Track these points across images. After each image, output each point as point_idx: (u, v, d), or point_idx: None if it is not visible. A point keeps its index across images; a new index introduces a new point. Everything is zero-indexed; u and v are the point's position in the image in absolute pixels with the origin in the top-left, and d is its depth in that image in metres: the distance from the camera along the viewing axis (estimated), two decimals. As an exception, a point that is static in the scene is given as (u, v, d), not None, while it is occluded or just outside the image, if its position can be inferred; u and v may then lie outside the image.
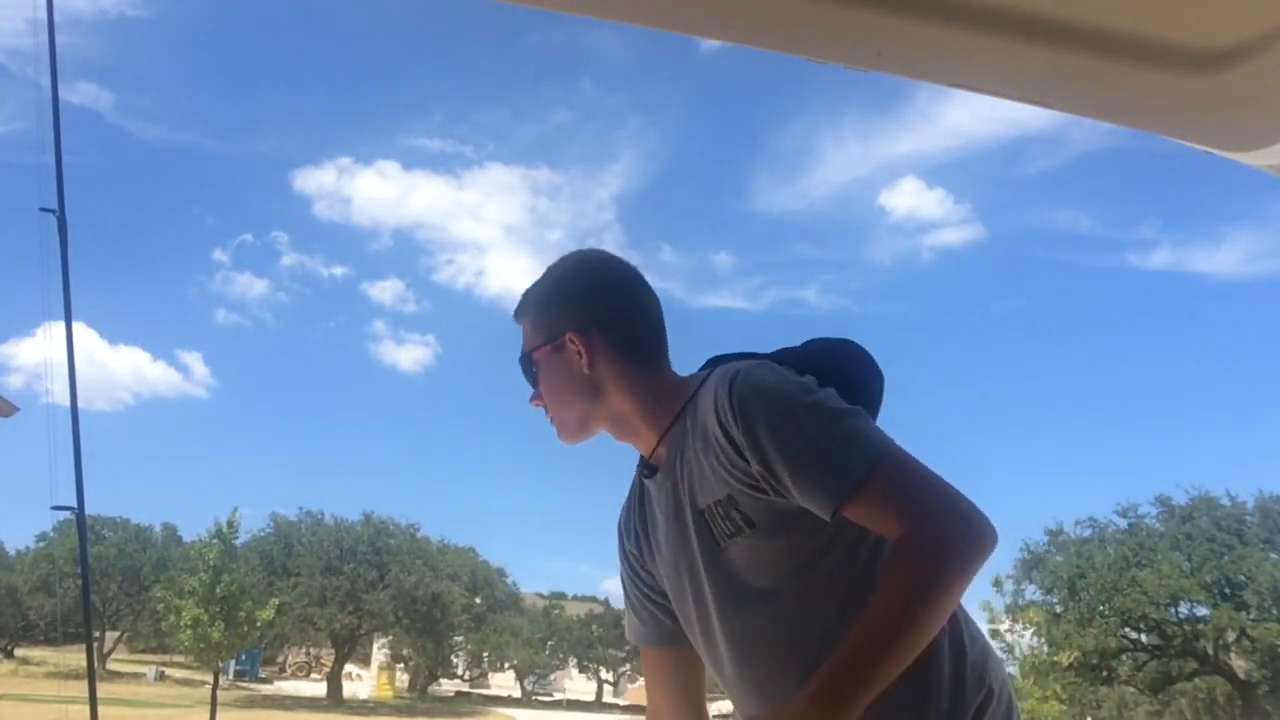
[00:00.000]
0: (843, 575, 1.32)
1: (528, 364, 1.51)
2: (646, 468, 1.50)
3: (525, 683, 50.22)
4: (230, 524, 28.80)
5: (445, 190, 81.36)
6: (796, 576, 1.33)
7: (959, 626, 1.33)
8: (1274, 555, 29.47)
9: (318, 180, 79.41)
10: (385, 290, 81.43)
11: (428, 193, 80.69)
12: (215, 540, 28.40)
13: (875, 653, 1.12)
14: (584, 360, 1.47)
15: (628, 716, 48.22)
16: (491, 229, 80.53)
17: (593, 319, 1.48)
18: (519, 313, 1.55)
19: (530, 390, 1.51)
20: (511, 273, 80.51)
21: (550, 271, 1.57)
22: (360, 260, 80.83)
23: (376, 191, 77.90)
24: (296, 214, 78.81)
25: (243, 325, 76.06)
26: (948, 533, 1.16)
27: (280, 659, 55.46)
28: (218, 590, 27.97)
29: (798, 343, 1.49)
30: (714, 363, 1.46)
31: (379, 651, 48.63)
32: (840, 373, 1.37)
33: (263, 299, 75.47)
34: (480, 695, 49.56)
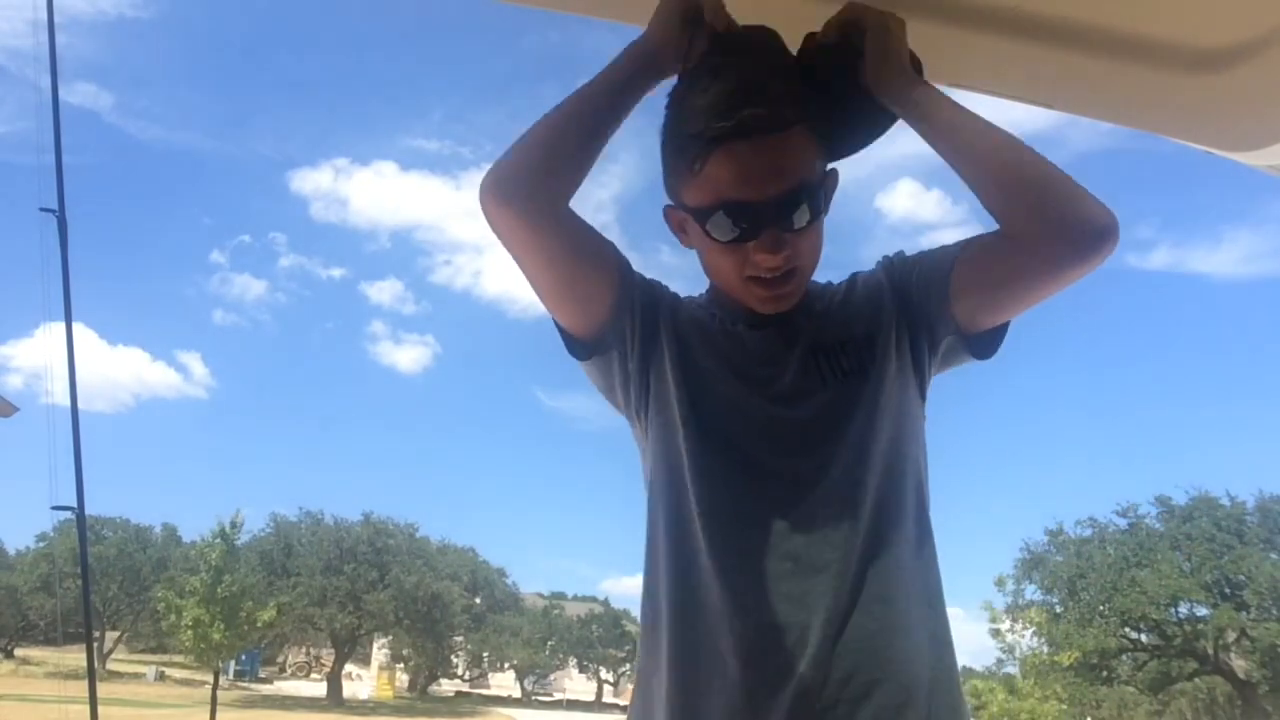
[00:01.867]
0: (912, 481, 1.26)
1: (814, 196, 1.18)
2: (747, 319, 1.31)
3: (525, 683, 50.21)
4: (233, 524, 28.84)
5: (443, 191, 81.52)
6: (885, 435, 1.25)
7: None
8: (1274, 555, 29.47)
9: (314, 181, 79.70)
10: (384, 291, 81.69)
11: (425, 193, 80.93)
12: (218, 541, 28.41)
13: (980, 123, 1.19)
14: (828, 199, 1.26)
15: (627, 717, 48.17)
16: (489, 230, 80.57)
17: None
18: (797, 113, 1.16)
19: (803, 218, 1.17)
20: (510, 274, 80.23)
21: (793, 74, 1.23)
22: (358, 261, 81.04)
23: (374, 192, 78.17)
24: (294, 215, 79.01)
25: (241, 326, 76.29)
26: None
27: (280, 659, 55.45)
28: (218, 591, 27.97)
29: None
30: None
31: (379, 651, 48.61)
32: None
33: (261, 300, 75.70)
34: (480, 695, 49.55)
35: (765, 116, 1.12)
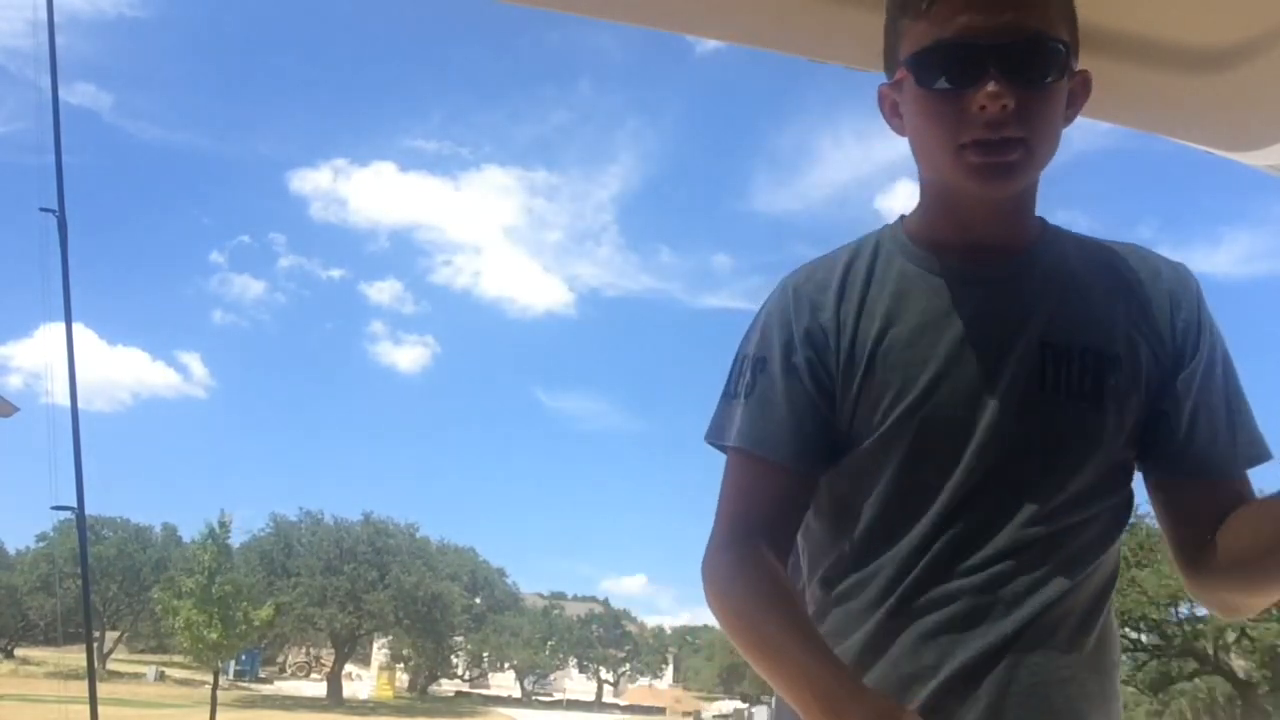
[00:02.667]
0: (1112, 527, 1.10)
1: (1057, 51, 0.99)
2: (961, 273, 1.07)
3: (525, 683, 50.20)
4: (221, 525, 28.86)
5: (442, 191, 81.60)
6: (1083, 479, 1.04)
7: None
8: (1274, 555, 29.48)
9: (314, 181, 79.80)
10: (383, 291, 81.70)
11: (424, 194, 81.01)
12: (209, 541, 28.44)
13: None
14: (1073, 108, 1.05)
15: (628, 716, 48.19)
16: (489, 230, 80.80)
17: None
18: None
19: (1040, 72, 0.97)
20: (509, 274, 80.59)
21: None
22: (357, 261, 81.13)
23: (373, 193, 78.26)
24: (293, 215, 79.11)
25: (240, 326, 76.37)
26: None
27: (280, 659, 55.43)
28: (213, 591, 27.98)
29: None
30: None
31: (379, 651, 48.61)
32: None
33: (260, 300, 75.75)
34: (480, 695, 49.54)
35: None
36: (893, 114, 1.09)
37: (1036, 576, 1.00)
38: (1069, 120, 1.05)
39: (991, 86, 0.94)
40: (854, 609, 1.05)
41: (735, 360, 1.14)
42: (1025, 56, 0.96)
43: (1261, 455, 1.05)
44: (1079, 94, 1.05)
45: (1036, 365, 1.03)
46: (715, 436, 1.12)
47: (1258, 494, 1.04)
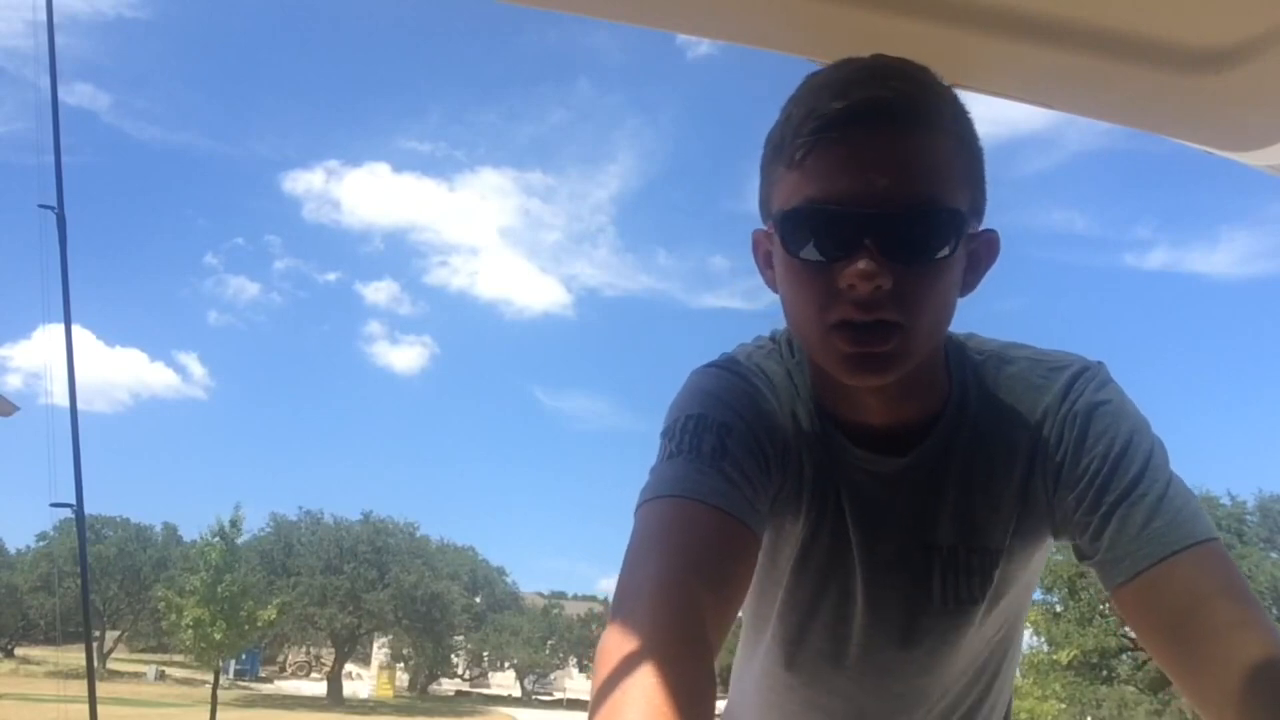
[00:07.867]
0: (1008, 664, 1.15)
1: (950, 222, 0.85)
2: (855, 436, 0.97)
3: (525, 682, 50.21)
4: (233, 523, 28.82)
5: (437, 193, 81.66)
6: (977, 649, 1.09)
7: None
8: (1274, 555, 29.55)
9: (306, 182, 79.89)
10: (380, 291, 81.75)
11: (419, 195, 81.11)
12: (217, 539, 28.41)
13: None
14: (975, 273, 0.93)
15: (628, 716, 48.17)
16: (485, 231, 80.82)
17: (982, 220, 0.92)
18: (952, 123, 0.88)
19: (924, 247, 0.84)
20: (506, 275, 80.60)
21: (949, 93, 0.91)
22: (353, 262, 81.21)
23: (367, 194, 78.39)
24: (288, 216, 79.19)
25: (237, 327, 76.45)
26: None
27: (280, 658, 55.48)
28: (219, 590, 27.96)
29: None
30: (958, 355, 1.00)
31: (379, 651, 48.65)
32: None
33: (256, 301, 75.86)
34: (480, 695, 49.57)
35: (902, 101, 0.83)
36: (766, 264, 0.96)
37: None
38: (971, 287, 0.93)
39: (863, 264, 0.81)
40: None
41: None
42: (908, 229, 0.83)
43: (1181, 538, 0.87)
44: (983, 256, 0.93)
45: (925, 571, 0.99)
46: None
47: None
